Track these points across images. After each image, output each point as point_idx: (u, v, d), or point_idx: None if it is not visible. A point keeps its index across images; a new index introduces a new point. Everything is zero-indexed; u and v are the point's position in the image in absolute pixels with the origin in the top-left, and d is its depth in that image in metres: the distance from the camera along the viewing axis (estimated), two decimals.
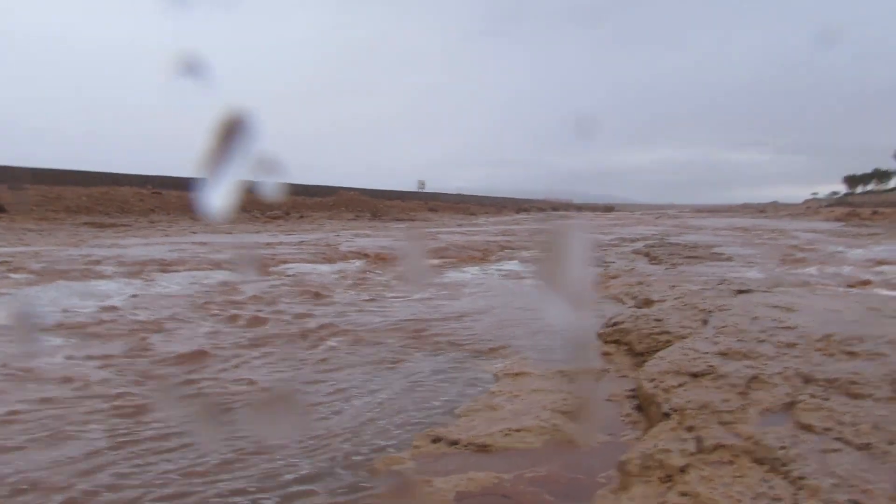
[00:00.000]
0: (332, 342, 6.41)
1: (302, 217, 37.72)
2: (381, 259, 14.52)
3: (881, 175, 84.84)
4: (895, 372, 4.10)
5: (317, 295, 9.41)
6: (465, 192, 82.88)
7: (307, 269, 12.95)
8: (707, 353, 4.55)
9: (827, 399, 3.55)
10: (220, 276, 11.31)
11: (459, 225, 36.65)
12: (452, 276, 12.71)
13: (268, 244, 18.38)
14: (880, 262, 14.88)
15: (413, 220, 42.68)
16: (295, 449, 3.56)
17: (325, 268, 13.26)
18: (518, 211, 76.30)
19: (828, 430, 3.10)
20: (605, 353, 5.77)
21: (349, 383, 4.98)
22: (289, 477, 3.25)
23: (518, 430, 3.78)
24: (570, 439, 3.69)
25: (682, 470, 2.84)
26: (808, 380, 3.87)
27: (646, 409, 3.99)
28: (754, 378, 3.85)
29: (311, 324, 7.22)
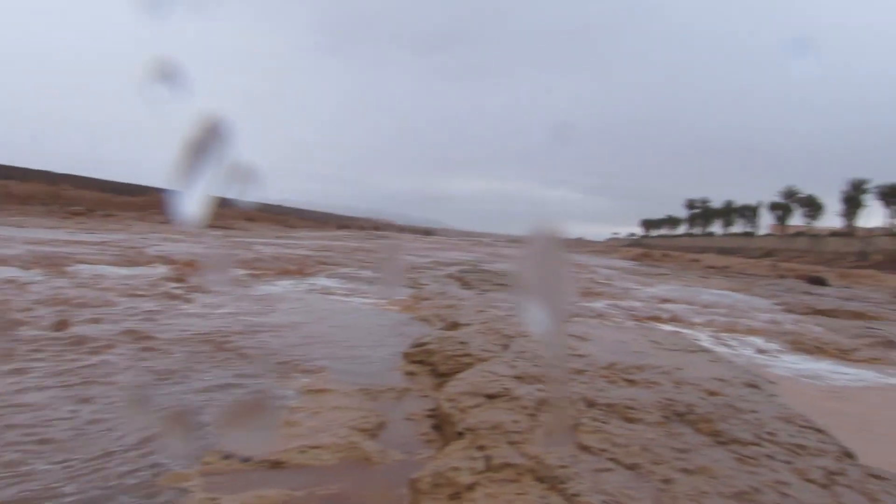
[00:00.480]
0: (113, 353, 5.93)
1: (108, 216, 35.00)
2: (188, 266, 13.79)
3: (672, 221, 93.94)
4: (666, 399, 4.51)
5: (107, 303, 8.72)
6: (285, 204, 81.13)
7: (105, 271, 12.01)
8: (504, 376, 4.74)
9: (606, 423, 3.81)
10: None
11: (278, 237, 35.80)
12: (264, 288, 12.33)
13: (65, 242, 16.86)
14: (665, 300, 16.39)
15: (230, 229, 41.08)
16: (60, 473, 3.23)
17: (124, 271, 12.37)
18: (339, 227, 75.88)
19: (603, 450, 3.33)
20: (410, 373, 5.84)
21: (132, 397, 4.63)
22: None
23: (315, 447, 3.70)
24: (367, 457, 3.68)
25: (470, 487, 2.91)
26: (591, 404, 4.14)
27: (443, 428, 4.07)
28: (544, 401, 4.06)
29: (93, 331, 6.66)
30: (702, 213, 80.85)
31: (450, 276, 17.95)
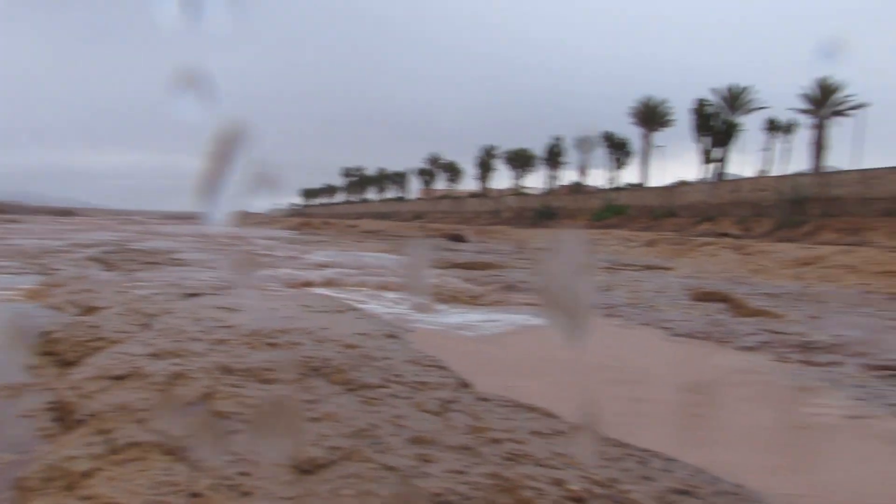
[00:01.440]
0: None
1: None
2: None
3: (331, 190, 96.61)
4: (304, 357, 4.69)
5: None
6: None
7: None
8: (137, 355, 4.51)
9: (241, 387, 3.86)
10: None
11: None
12: None
13: None
14: (322, 266, 16.88)
15: None
16: None
17: None
18: None
19: (236, 413, 3.37)
20: (32, 367, 5.25)
21: None
22: None
23: None
24: None
25: (87, 474, 2.75)
26: (228, 371, 4.15)
27: (65, 418, 3.76)
28: (178, 375, 3.96)
29: None
30: (358, 181, 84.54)
31: (90, 258, 16.32)
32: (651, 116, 41.96)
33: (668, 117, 41.34)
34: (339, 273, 14.98)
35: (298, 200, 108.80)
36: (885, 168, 23.86)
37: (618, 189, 43.77)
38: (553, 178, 52.04)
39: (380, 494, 2.46)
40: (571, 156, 50.04)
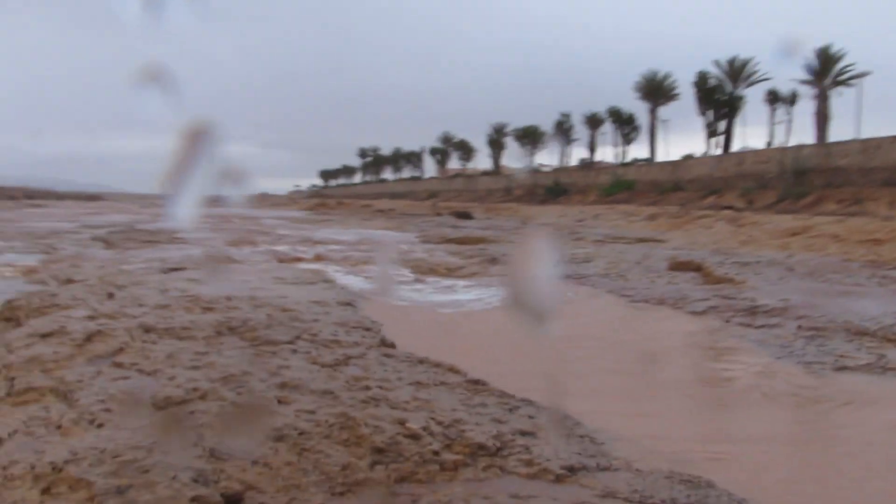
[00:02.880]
0: None
1: None
2: None
3: (348, 170, 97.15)
4: (228, 319, 5.05)
5: None
6: None
7: None
8: (74, 318, 4.89)
9: (154, 343, 4.22)
10: None
11: None
12: None
13: None
14: (317, 242, 17.30)
15: None
16: None
17: None
18: None
19: (134, 364, 3.73)
20: None
21: None
22: None
23: None
24: None
25: None
26: (148, 330, 4.52)
27: None
28: (98, 333, 4.33)
29: None
30: (374, 161, 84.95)
31: (95, 238, 16.91)
32: (656, 91, 41.55)
33: (673, 91, 40.93)
34: (332, 250, 15.37)
35: (318, 182, 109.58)
36: (886, 137, 23.59)
37: (626, 164, 43.65)
38: (563, 154, 52.15)
39: (216, 426, 2.80)
40: (581, 132, 50.01)
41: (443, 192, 62.74)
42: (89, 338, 4.22)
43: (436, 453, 2.88)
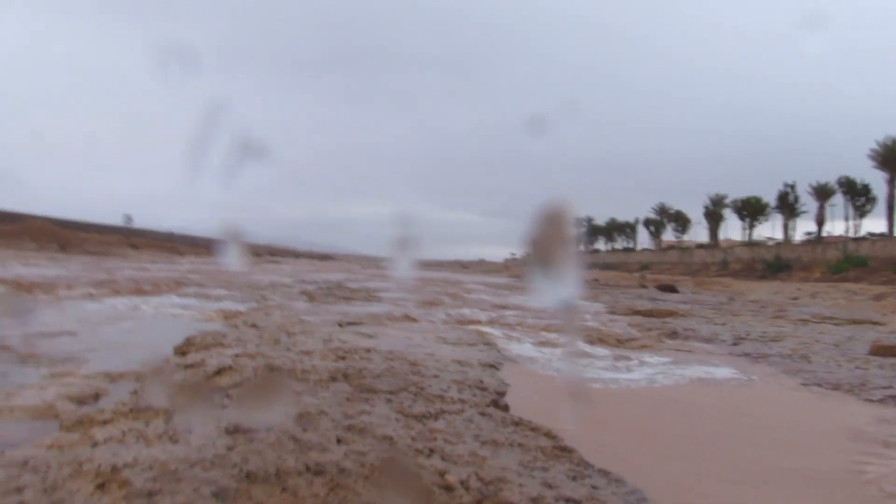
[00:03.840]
0: None
1: None
2: (22, 287, 13.98)
3: None
4: (348, 367, 5.47)
5: None
6: (177, 232, 79.24)
7: None
8: (224, 355, 5.59)
9: (270, 380, 4.72)
10: None
11: (153, 262, 35.45)
12: (92, 306, 12.70)
13: None
14: (501, 307, 17.66)
15: (107, 255, 40.26)
16: None
17: None
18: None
19: (237, 392, 4.22)
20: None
21: None
22: None
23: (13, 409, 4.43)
24: (56, 414, 4.43)
25: (105, 420, 3.74)
26: (272, 369, 5.05)
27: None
28: (229, 368, 4.93)
29: None
30: (587, 231, 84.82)
31: (303, 292, 18.68)
32: (895, 159, 37.33)
33: None
34: (512, 315, 15.64)
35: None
36: None
37: (858, 239, 39.48)
38: (787, 227, 48.31)
39: (265, 454, 3.14)
40: (808, 203, 46.17)
41: (655, 264, 60.87)
42: (219, 371, 4.82)
43: None
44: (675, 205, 64.87)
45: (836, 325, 15.66)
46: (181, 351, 6.43)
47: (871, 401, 7.01)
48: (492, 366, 7.66)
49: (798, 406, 7.24)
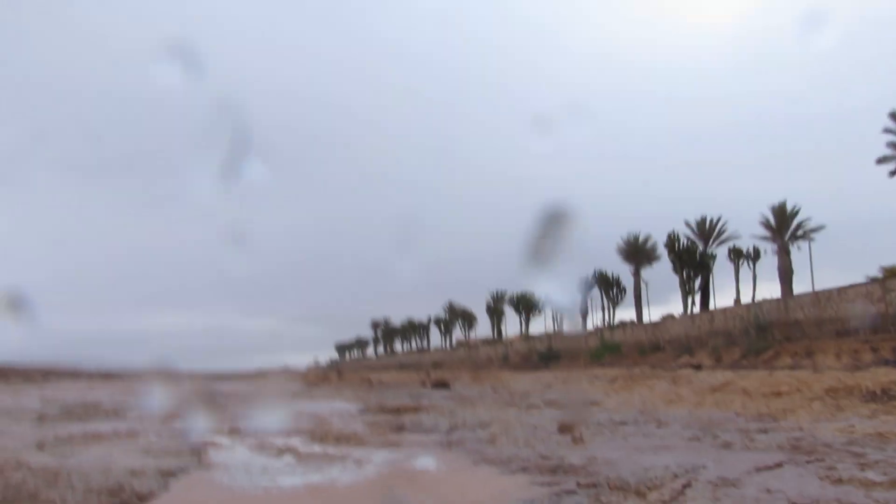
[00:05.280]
0: None
1: None
2: None
3: (361, 343, 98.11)
4: None
5: None
6: None
7: None
8: None
9: None
10: None
11: None
12: None
13: None
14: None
15: None
16: None
17: None
18: None
19: None
20: None
21: None
22: None
23: None
24: None
25: None
26: None
27: None
28: None
29: None
30: (385, 333, 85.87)
31: (41, 415, 17.55)
32: (638, 252, 42.57)
33: (654, 252, 41.78)
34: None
35: (334, 355, 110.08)
36: (835, 288, 23.82)
37: (612, 327, 43.94)
38: (558, 320, 52.67)
39: None
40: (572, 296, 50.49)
41: (447, 362, 62.86)
42: None
43: None
44: (464, 302, 68.04)
45: (556, 409, 17.41)
46: None
47: (512, 472, 8.18)
48: (169, 474, 7.95)
49: (462, 481, 8.26)
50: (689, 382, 18.72)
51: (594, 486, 6.95)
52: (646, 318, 43.05)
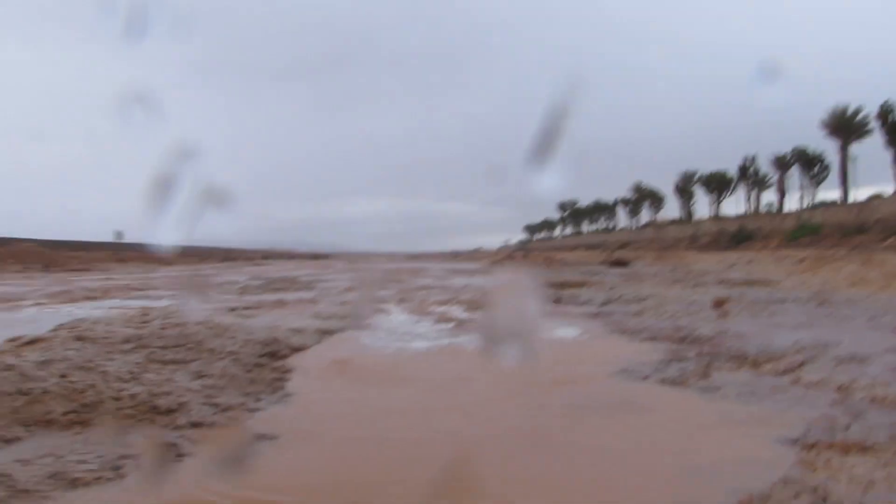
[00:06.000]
0: None
1: None
2: None
3: (549, 224, 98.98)
4: (180, 335, 6.80)
5: None
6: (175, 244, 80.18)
7: None
8: (65, 336, 6.92)
9: (79, 342, 6.06)
10: None
11: (130, 273, 36.89)
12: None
13: None
14: (428, 288, 18.97)
15: (90, 271, 41.66)
16: None
17: None
18: (223, 260, 76.02)
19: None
20: None
21: None
22: None
23: None
24: None
25: None
26: (81, 339, 6.40)
27: None
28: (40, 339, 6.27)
29: None
30: (572, 214, 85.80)
31: (243, 287, 19.97)
32: (846, 127, 38.10)
33: (865, 126, 37.09)
34: (425, 294, 16.95)
35: (524, 237, 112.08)
36: None
37: (812, 207, 40.50)
38: (753, 199, 49.42)
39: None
40: (771, 174, 47.10)
41: (633, 243, 62.00)
42: (31, 342, 6.17)
43: None
44: (653, 183, 66.00)
45: (725, 286, 16.89)
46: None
47: (640, 341, 8.35)
48: (326, 332, 9.00)
49: (582, 346, 8.62)
50: (881, 265, 17.26)
51: (712, 354, 6.97)
52: (852, 200, 39.30)
